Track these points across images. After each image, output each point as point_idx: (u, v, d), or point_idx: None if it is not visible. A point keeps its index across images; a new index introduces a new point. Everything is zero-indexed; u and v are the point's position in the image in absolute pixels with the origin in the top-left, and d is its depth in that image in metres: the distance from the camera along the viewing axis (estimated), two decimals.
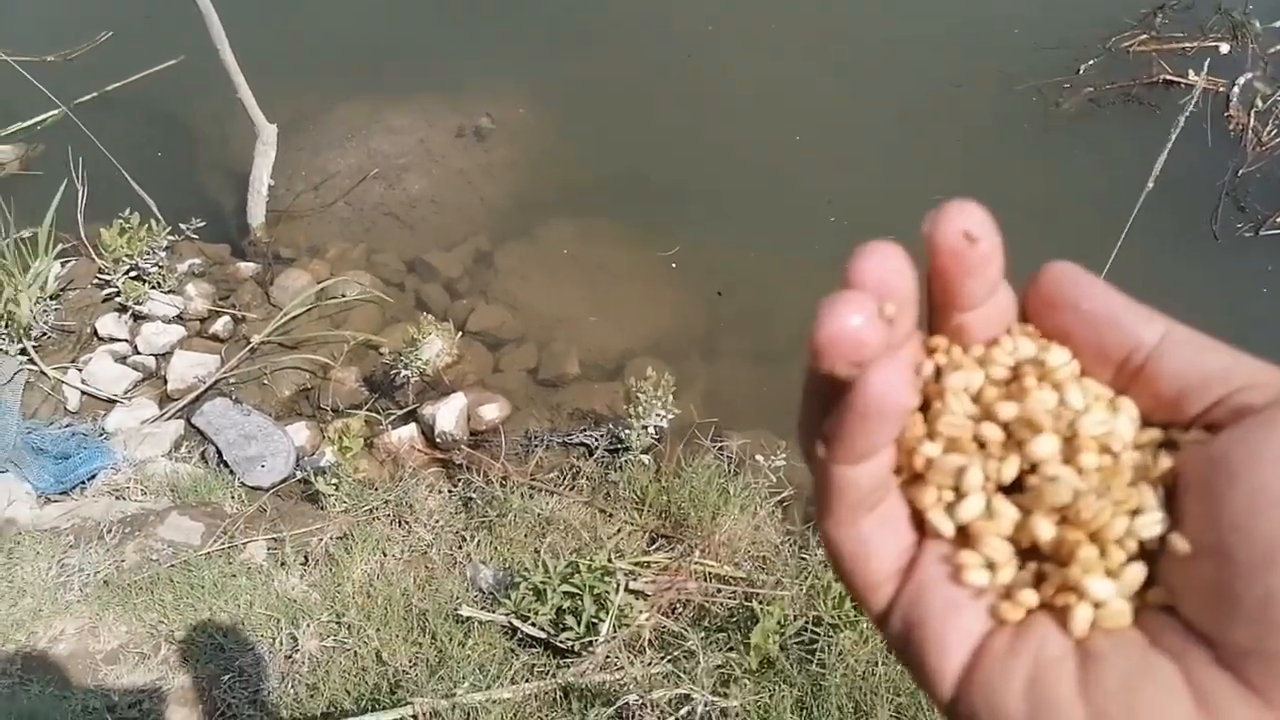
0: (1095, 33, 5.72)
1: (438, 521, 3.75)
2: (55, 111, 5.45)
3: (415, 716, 2.82)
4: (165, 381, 4.43)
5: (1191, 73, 5.32)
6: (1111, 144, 5.19)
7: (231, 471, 4.02)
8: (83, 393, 4.35)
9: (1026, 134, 5.36)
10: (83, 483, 3.88)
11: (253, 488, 3.97)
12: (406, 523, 3.73)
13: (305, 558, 3.55)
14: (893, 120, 5.48)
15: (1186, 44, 5.54)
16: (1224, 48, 5.48)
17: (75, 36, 6.16)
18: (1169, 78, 5.36)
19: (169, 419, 4.26)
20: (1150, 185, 3.78)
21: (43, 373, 4.36)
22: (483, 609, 3.29)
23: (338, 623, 3.27)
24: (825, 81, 5.70)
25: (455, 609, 3.29)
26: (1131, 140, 5.09)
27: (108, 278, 4.67)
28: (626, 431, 4.00)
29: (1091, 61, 5.52)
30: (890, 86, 5.60)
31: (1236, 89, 5.24)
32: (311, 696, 3.03)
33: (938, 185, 5.11)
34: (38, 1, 6.77)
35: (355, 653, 3.17)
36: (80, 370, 4.42)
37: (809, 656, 2.95)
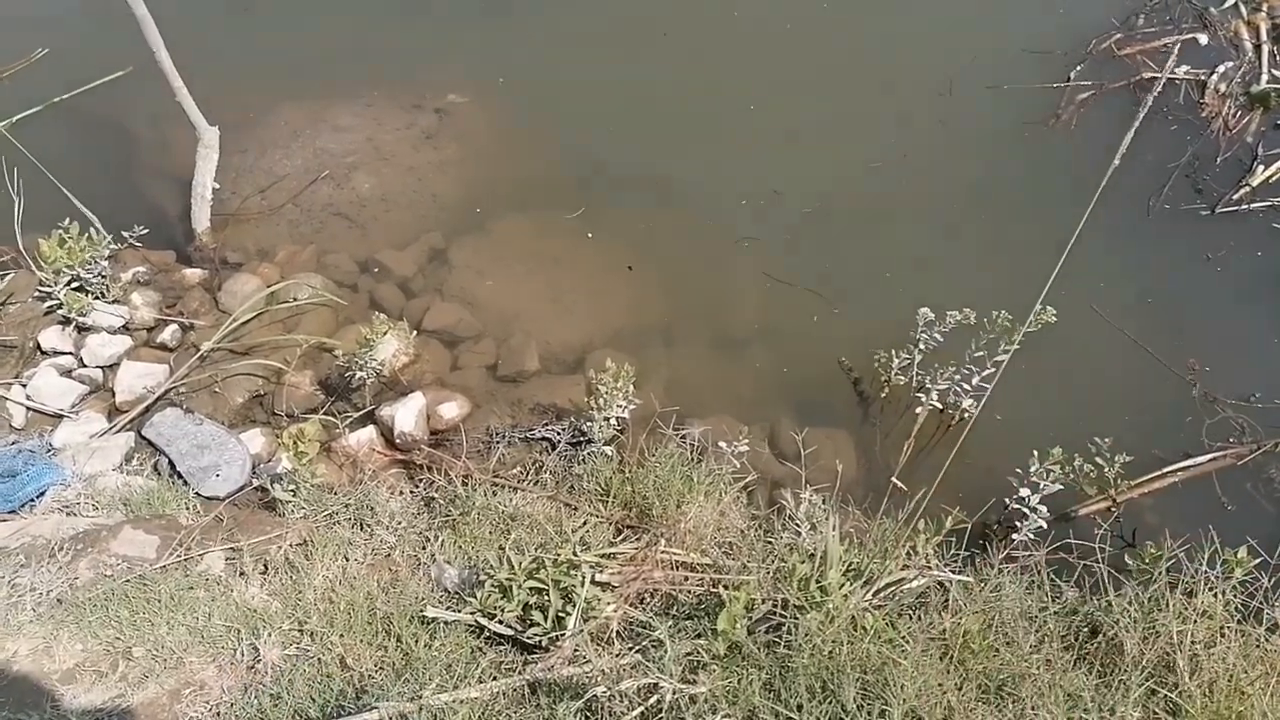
0: (1080, 35, 5.78)
1: (400, 523, 3.70)
2: None
3: (382, 719, 2.78)
4: (113, 394, 4.33)
5: (1183, 68, 5.42)
6: (1098, 138, 5.23)
7: (185, 482, 3.93)
8: (28, 409, 4.24)
9: (1012, 130, 5.39)
10: (32, 500, 3.78)
11: (208, 498, 3.89)
12: (368, 526, 3.68)
13: (265, 566, 3.48)
14: (867, 118, 5.50)
15: (1165, 40, 5.62)
16: (1202, 39, 5.58)
17: (14, 53, 6.01)
18: (1154, 75, 5.44)
19: (118, 432, 4.17)
20: (1116, 163, 3.85)
21: None
22: (448, 609, 3.25)
23: (300, 630, 3.22)
24: (800, 84, 5.72)
25: (420, 610, 3.25)
26: (1117, 132, 5.16)
27: (49, 290, 4.55)
28: (589, 424, 3.98)
29: (1079, 67, 5.59)
30: (871, 89, 5.61)
31: (1214, 78, 5.34)
32: (275, 706, 2.98)
33: (918, 182, 5.16)
34: None
35: (319, 659, 3.12)
36: (24, 385, 4.30)
37: (776, 639, 2.95)
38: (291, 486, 3.71)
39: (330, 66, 5.96)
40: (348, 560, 3.51)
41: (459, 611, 3.22)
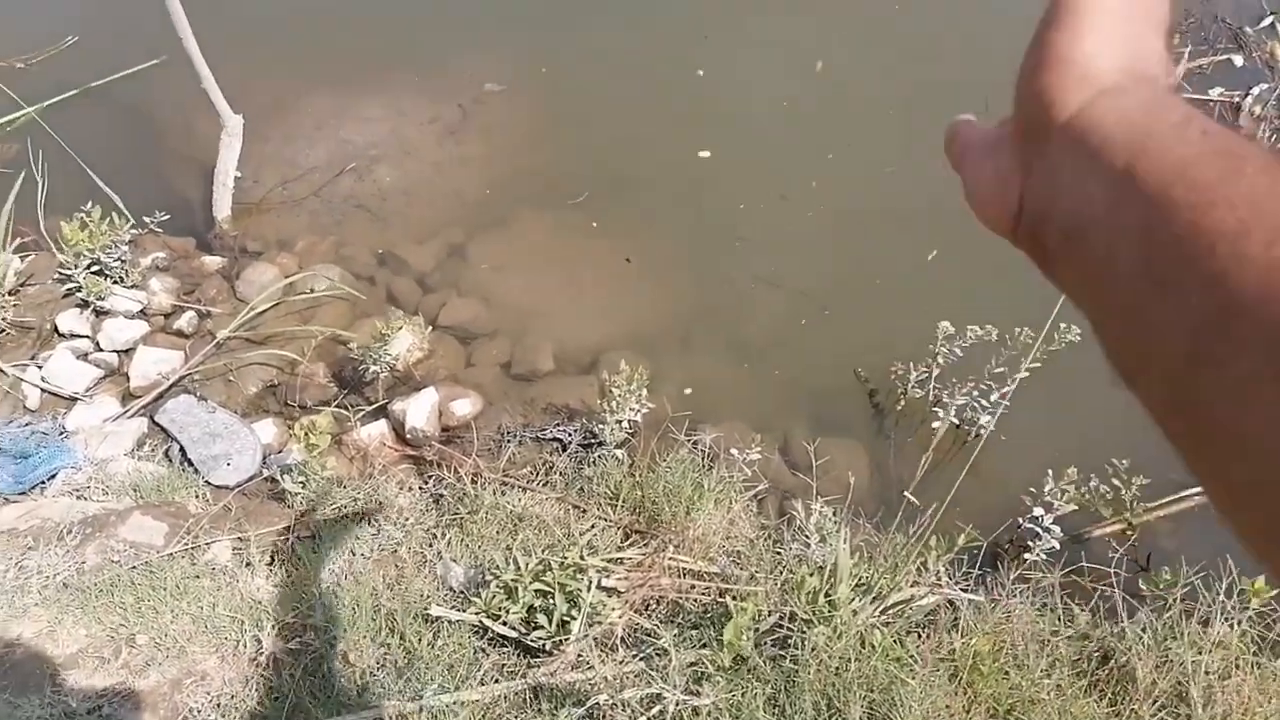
0: None
1: (408, 519, 3.69)
2: (22, 113, 5.34)
3: (381, 719, 2.77)
4: (128, 379, 4.34)
5: (1217, 90, 5.34)
6: None
7: (196, 470, 3.93)
8: (43, 390, 4.25)
9: None
10: (42, 483, 3.79)
11: (217, 486, 3.89)
12: (375, 521, 3.67)
13: (271, 558, 3.48)
14: (899, 130, 5.44)
15: (1201, 60, 5.54)
16: (1237, 60, 5.50)
17: (44, 40, 6.03)
18: (1192, 97, 5.37)
19: (131, 417, 4.17)
20: None
21: (1, 370, 4.26)
22: (453, 608, 3.23)
23: (303, 624, 3.21)
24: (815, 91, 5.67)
25: (424, 608, 3.23)
26: None
27: (69, 272, 4.56)
28: (600, 426, 3.95)
29: None
30: (908, 99, 5.53)
31: (1249, 99, 5.27)
32: (276, 700, 2.97)
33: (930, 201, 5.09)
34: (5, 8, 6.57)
35: (321, 654, 3.11)
36: (40, 367, 4.31)
37: (782, 653, 2.92)
38: (301, 478, 3.70)
39: (361, 54, 5.94)
40: (354, 555, 3.49)
41: (463, 611, 3.20)
